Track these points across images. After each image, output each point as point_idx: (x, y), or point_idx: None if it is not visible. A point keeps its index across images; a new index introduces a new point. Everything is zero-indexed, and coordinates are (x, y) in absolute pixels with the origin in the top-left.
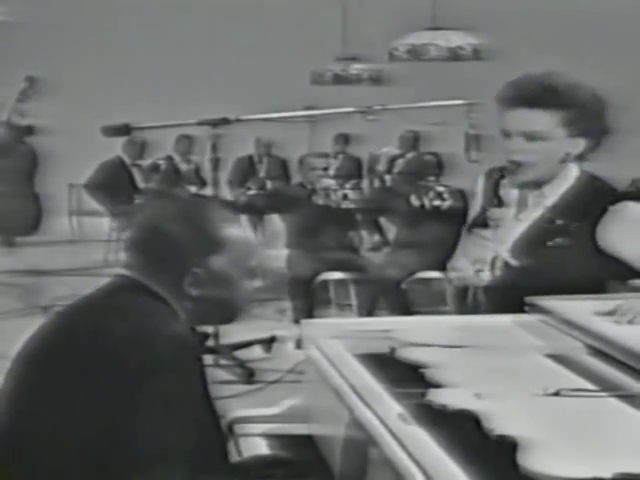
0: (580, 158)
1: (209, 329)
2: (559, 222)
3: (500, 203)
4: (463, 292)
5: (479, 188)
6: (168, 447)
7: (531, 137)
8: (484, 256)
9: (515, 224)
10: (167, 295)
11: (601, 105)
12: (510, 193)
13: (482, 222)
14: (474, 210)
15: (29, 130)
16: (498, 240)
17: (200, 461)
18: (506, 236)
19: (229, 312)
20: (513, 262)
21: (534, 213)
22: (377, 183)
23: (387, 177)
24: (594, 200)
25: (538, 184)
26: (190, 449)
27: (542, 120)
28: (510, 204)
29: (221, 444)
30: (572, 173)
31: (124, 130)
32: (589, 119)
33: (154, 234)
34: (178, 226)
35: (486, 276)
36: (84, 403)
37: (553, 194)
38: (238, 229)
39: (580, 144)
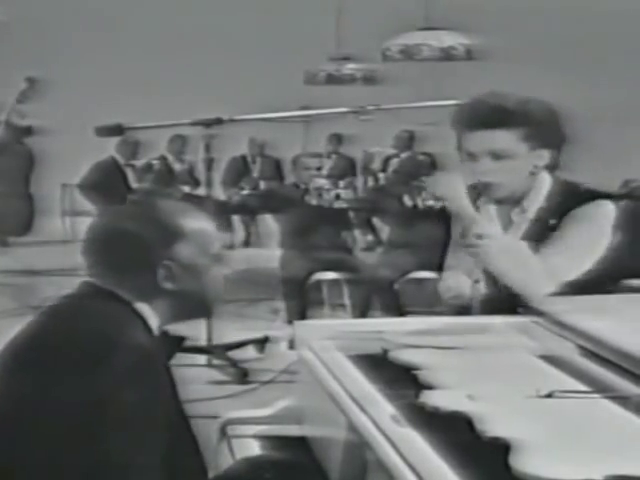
0: (548, 169)
1: (201, 333)
2: (547, 229)
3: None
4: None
5: None
6: (134, 463)
7: (497, 156)
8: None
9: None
10: (140, 297)
11: (555, 116)
12: (489, 209)
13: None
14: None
15: (28, 131)
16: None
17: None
18: None
19: (206, 303)
20: None
21: (520, 229)
22: (371, 182)
23: (381, 176)
24: (572, 200)
25: (515, 199)
26: (157, 464)
27: (504, 138)
28: (492, 219)
29: (195, 452)
30: (545, 182)
31: (117, 130)
32: (546, 131)
33: (114, 236)
34: (135, 223)
35: (482, 288)
36: (53, 412)
37: (532, 206)
38: (195, 217)
39: (544, 156)
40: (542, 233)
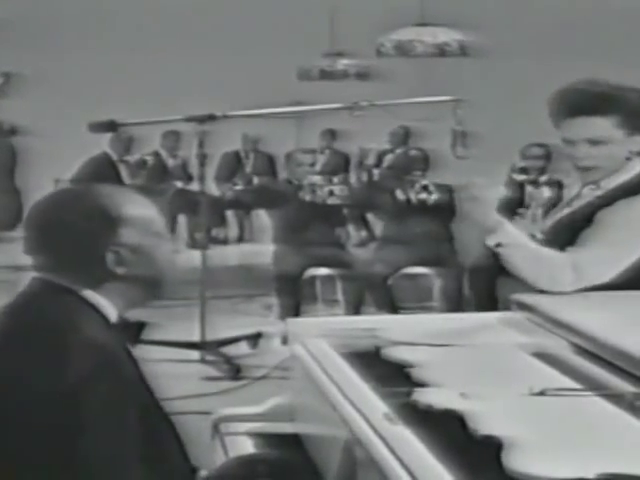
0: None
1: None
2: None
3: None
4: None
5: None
6: (99, 460)
7: (595, 142)
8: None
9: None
10: (92, 286)
11: None
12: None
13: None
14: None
15: (12, 130)
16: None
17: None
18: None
19: (161, 283)
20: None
21: (580, 201)
22: (365, 177)
23: (375, 171)
24: None
25: None
26: (124, 458)
27: (602, 125)
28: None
29: (173, 443)
30: (635, 169)
31: (110, 126)
32: None
33: (53, 228)
34: (72, 212)
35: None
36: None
37: (606, 187)
38: (134, 201)
39: (639, 141)
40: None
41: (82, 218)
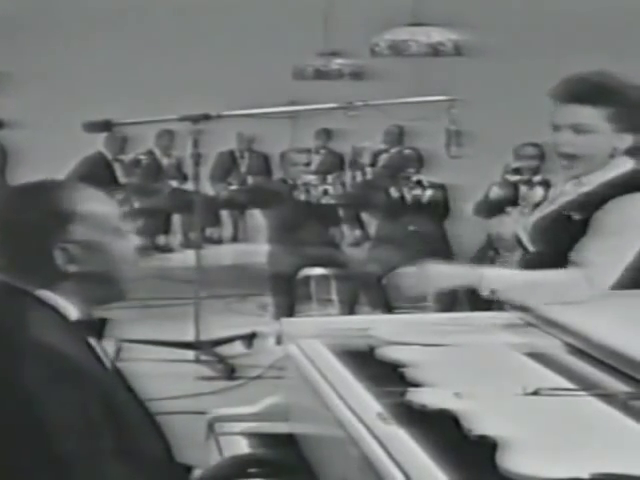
0: (630, 154)
1: (189, 329)
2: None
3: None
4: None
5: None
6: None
7: (578, 130)
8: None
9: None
10: (46, 286)
11: None
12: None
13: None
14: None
15: None
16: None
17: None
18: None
19: (119, 281)
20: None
21: (564, 197)
22: (359, 176)
23: (369, 170)
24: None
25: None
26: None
27: (589, 114)
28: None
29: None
30: (620, 167)
31: (105, 126)
32: (634, 115)
33: (5, 227)
34: (23, 210)
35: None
36: None
37: (590, 183)
38: (86, 196)
39: (627, 139)
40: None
41: (32, 215)
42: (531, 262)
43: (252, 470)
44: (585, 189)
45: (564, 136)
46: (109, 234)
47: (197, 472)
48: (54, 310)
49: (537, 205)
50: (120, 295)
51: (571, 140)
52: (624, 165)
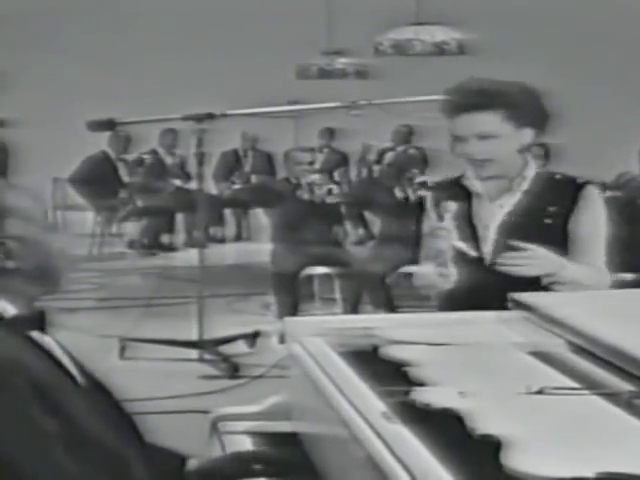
0: (533, 146)
1: (192, 328)
2: (520, 220)
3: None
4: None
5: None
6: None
7: (483, 137)
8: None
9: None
10: None
11: (534, 95)
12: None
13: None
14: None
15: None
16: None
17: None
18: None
19: (54, 272)
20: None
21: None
22: (365, 173)
23: (375, 168)
24: (558, 190)
25: (507, 178)
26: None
27: (489, 120)
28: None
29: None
30: (527, 178)
31: (109, 125)
32: (527, 109)
33: None
34: None
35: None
36: None
37: (508, 204)
38: (15, 193)
39: (528, 134)
40: (527, 226)
41: None
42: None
43: (253, 467)
44: (506, 209)
45: (472, 145)
46: (37, 229)
47: (192, 462)
48: None
49: None
50: (56, 284)
51: (479, 147)
52: (530, 172)
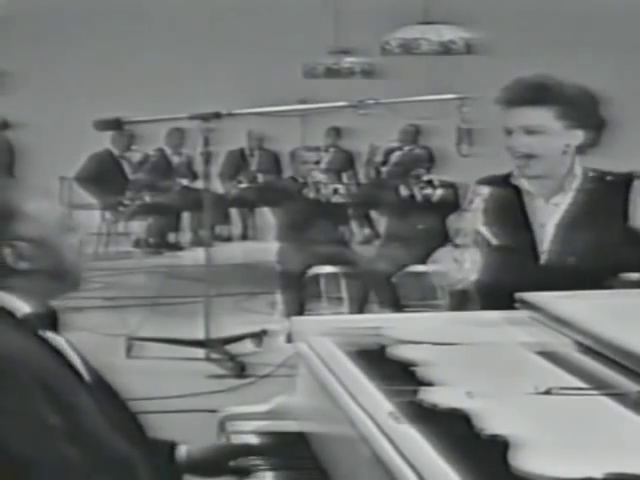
0: (580, 150)
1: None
2: (579, 218)
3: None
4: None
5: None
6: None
7: (531, 131)
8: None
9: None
10: None
11: (591, 99)
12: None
13: None
14: None
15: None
16: None
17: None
18: None
19: (71, 274)
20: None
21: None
22: (373, 174)
23: (383, 169)
24: (610, 187)
25: (549, 178)
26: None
27: (539, 115)
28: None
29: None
30: (577, 176)
31: (116, 124)
32: (582, 112)
33: None
34: None
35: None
36: None
37: (564, 202)
38: (31, 194)
39: (578, 136)
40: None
41: None
42: (492, 256)
43: (253, 466)
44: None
45: (518, 139)
46: (56, 230)
47: (182, 448)
48: (7, 311)
49: None
50: (73, 286)
51: (525, 142)
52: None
